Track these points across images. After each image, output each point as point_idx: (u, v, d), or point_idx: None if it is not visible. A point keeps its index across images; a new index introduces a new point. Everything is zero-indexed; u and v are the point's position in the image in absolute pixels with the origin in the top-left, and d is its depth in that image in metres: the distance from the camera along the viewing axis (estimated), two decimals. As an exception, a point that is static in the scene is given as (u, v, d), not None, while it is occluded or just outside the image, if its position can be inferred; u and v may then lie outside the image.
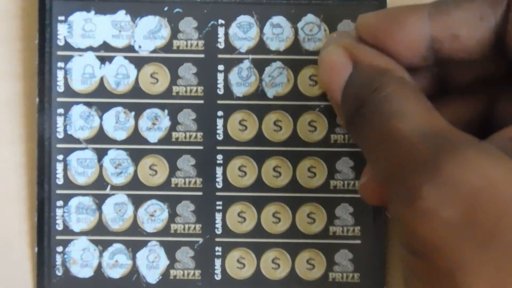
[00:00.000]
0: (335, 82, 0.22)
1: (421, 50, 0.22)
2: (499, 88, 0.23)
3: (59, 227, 0.28)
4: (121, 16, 0.28)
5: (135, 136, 0.28)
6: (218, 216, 0.28)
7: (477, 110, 0.24)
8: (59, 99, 0.28)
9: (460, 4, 0.21)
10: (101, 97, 0.28)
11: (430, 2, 0.22)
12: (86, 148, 0.28)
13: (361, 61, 0.22)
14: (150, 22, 0.28)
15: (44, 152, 0.28)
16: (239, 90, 0.28)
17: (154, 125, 0.28)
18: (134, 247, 0.28)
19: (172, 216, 0.28)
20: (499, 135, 0.20)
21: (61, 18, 0.28)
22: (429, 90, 0.24)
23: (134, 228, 0.28)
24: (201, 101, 0.28)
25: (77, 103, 0.28)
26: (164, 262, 0.28)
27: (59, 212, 0.28)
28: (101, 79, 0.28)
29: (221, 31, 0.28)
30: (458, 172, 0.18)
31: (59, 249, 0.28)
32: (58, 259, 0.28)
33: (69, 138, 0.28)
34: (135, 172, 0.28)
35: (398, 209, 0.19)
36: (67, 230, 0.28)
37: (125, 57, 0.28)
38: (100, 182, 0.28)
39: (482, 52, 0.22)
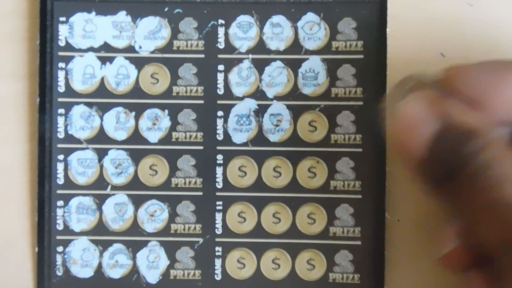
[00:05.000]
0: (417, 139, 0.20)
1: None
2: None
3: (60, 227, 0.28)
4: (122, 16, 0.28)
5: (135, 136, 0.28)
6: (218, 216, 0.28)
7: None
8: (60, 99, 0.28)
9: None
10: (101, 97, 0.28)
11: None
12: (87, 148, 0.28)
13: (451, 118, 0.20)
14: (150, 22, 0.28)
15: (44, 152, 0.28)
16: (239, 90, 0.28)
17: (154, 125, 0.28)
18: (134, 247, 0.28)
19: (172, 216, 0.28)
20: None
21: (62, 19, 0.28)
22: None
23: (134, 228, 0.28)
24: (201, 101, 0.28)
25: (78, 103, 0.28)
26: (164, 262, 0.28)
27: (59, 212, 0.28)
28: (102, 79, 0.28)
29: (221, 31, 0.28)
30: None
31: (59, 249, 0.28)
32: (58, 259, 0.28)
33: (69, 138, 0.28)
34: (135, 172, 0.28)
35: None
36: (67, 230, 0.28)
37: (126, 58, 0.28)
38: (100, 182, 0.28)
39: None
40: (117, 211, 0.28)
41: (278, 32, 0.28)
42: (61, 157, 0.28)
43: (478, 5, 0.28)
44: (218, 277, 0.28)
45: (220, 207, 0.28)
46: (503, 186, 0.19)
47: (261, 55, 0.28)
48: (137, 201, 0.28)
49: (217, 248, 0.28)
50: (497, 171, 0.19)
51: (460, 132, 0.20)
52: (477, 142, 0.19)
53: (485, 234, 0.20)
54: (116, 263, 0.28)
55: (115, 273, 0.28)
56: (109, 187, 0.28)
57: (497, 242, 0.19)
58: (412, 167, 0.21)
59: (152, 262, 0.28)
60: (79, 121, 0.28)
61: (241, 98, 0.28)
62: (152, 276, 0.28)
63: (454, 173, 0.20)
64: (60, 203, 0.28)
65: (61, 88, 0.28)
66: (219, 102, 0.28)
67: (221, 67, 0.28)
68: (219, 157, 0.28)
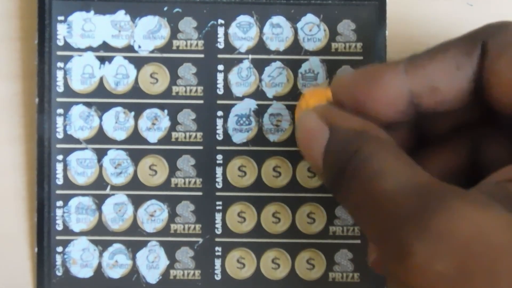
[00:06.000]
0: (314, 149, 0.22)
1: (401, 106, 0.22)
2: (481, 132, 0.23)
3: (59, 227, 0.28)
4: (121, 16, 0.28)
5: (135, 136, 0.28)
6: (218, 216, 0.28)
7: (461, 157, 0.23)
8: (58, 99, 0.28)
9: (435, 56, 0.21)
10: (100, 97, 0.28)
11: (404, 57, 0.22)
12: (86, 148, 0.28)
13: (337, 125, 0.22)
14: (149, 22, 0.28)
15: (43, 152, 0.28)
16: (238, 90, 0.28)
17: (154, 125, 0.28)
18: (134, 247, 0.28)
19: (172, 216, 0.28)
20: (485, 181, 0.20)
21: (61, 18, 0.28)
22: (409, 142, 0.24)
23: (134, 228, 0.28)
24: (201, 101, 0.28)
25: (77, 103, 0.28)
26: (164, 262, 0.28)
27: (59, 212, 0.28)
28: (101, 79, 0.28)
29: (220, 31, 0.28)
30: (447, 224, 0.18)
31: (59, 249, 0.28)
32: (58, 259, 0.28)
33: (68, 138, 0.28)
34: (135, 172, 0.28)
35: (392, 268, 0.19)
36: (67, 230, 0.28)
37: (125, 57, 0.28)
38: (100, 182, 0.28)
39: (462, 101, 0.22)
40: (116, 211, 0.28)
41: (278, 32, 0.28)
42: (60, 157, 0.28)
43: (478, 5, 0.28)
44: (218, 277, 0.28)
45: (220, 207, 0.28)
46: (378, 179, 0.20)
47: (261, 55, 0.28)
48: (137, 201, 0.28)
49: (217, 248, 0.28)
50: (373, 166, 0.20)
51: (345, 136, 0.21)
52: (358, 142, 0.21)
53: (366, 231, 0.21)
54: (116, 263, 0.28)
55: (115, 273, 0.28)
56: (109, 187, 0.28)
57: (375, 238, 0.20)
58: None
59: (152, 262, 0.28)
60: (78, 121, 0.28)
61: (241, 98, 0.28)
62: (152, 276, 0.28)
63: (342, 175, 0.21)
64: (59, 203, 0.28)
65: (60, 88, 0.28)
66: (218, 102, 0.28)
67: (220, 67, 0.28)
68: (219, 157, 0.28)
